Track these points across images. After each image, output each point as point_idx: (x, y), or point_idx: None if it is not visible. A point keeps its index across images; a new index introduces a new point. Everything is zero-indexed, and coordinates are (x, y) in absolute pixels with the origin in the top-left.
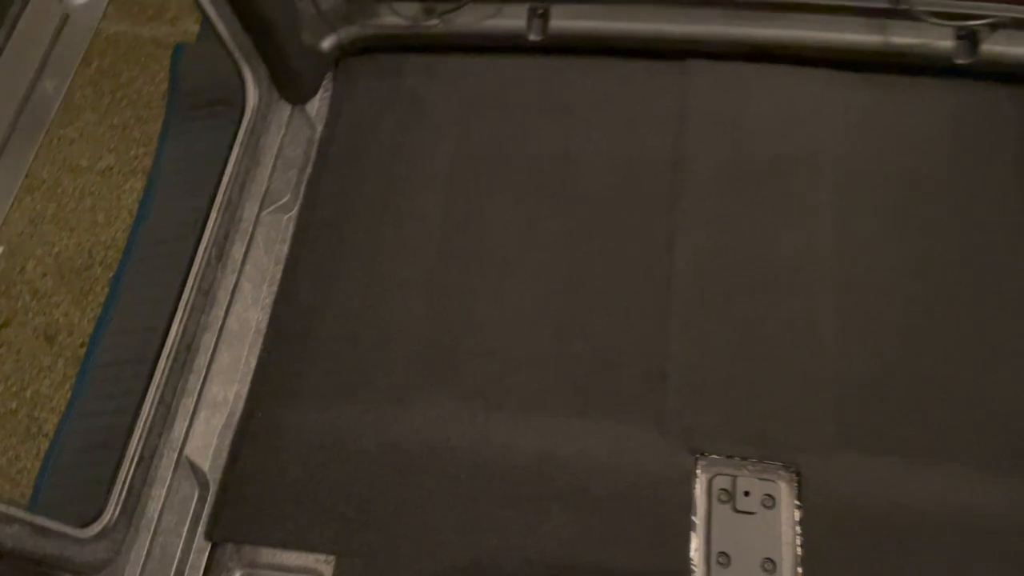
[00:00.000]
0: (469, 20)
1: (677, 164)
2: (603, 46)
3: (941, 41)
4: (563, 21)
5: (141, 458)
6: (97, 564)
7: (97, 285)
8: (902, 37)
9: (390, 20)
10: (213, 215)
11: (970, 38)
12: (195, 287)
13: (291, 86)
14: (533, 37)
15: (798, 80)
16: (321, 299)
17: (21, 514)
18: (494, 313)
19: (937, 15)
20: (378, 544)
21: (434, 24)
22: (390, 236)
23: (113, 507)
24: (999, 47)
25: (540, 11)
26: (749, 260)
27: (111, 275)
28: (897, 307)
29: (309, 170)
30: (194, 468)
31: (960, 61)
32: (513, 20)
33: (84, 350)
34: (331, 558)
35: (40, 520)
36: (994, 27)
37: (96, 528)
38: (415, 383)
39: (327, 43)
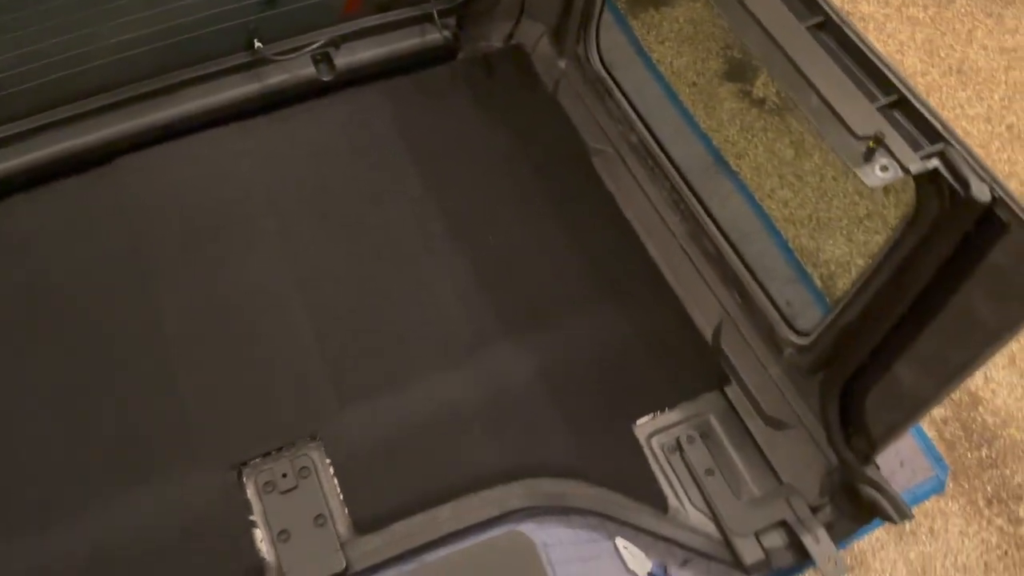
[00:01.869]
0: None
1: (137, 253)
2: (40, 174)
3: (304, 69)
4: None
5: None
6: None
7: None
8: (275, 77)
9: None
10: None
11: (325, 60)
12: None
13: None
14: None
15: (216, 140)
16: None
17: None
18: (11, 447)
19: (284, 52)
20: None
21: None
22: None
23: None
24: (346, 58)
25: None
26: (225, 302)
27: None
28: (342, 284)
29: None
30: None
31: (327, 79)
32: None
33: None
34: None
35: None
36: (335, 45)
37: None
38: None
39: None
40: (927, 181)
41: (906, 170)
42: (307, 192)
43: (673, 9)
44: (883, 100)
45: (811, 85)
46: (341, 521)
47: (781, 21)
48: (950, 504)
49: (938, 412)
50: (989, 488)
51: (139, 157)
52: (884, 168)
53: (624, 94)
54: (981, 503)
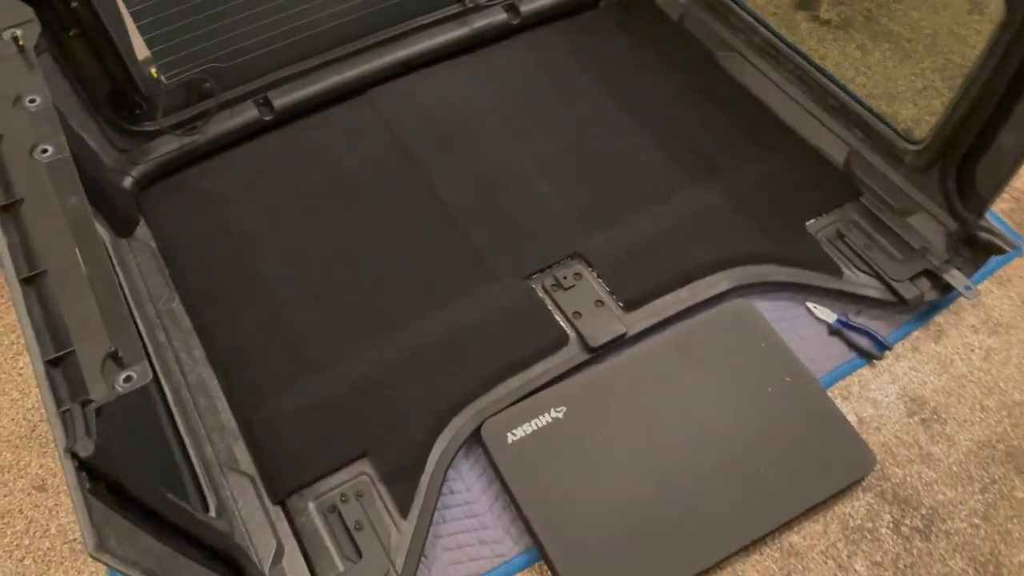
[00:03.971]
0: (218, 126)
1: (403, 151)
2: (317, 102)
3: (499, 16)
4: (282, 99)
5: (207, 475)
6: (229, 533)
7: (52, 434)
8: (478, 22)
9: (161, 149)
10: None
11: (512, 8)
12: (160, 372)
13: (122, 225)
14: (267, 117)
15: (440, 72)
16: (236, 331)
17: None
18: (358, 279)
19: (492, 1)
20: (380, 433)
21: (195, 140)
22: (258, 272)
23: (212, 502)
24: (527, 6)
25: (261, 100)
26: (481, 176)
27: None
28: (561, 157)
29: (168, 270)
30: (237, 466)
31: (515, 23)
32: (247, 113)
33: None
34: (363, 458)
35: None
36: None
37: (213, 515)
38: (338, 338)
39: (127, 183)
40: None
41: None
42: (515, 102)
43: None
44: None
45: None
46: (612, 304)
47: None
48: None
49: (1007, 206)
50: None
51: (386, 87)
52: None
53: (744, 8)
54: None
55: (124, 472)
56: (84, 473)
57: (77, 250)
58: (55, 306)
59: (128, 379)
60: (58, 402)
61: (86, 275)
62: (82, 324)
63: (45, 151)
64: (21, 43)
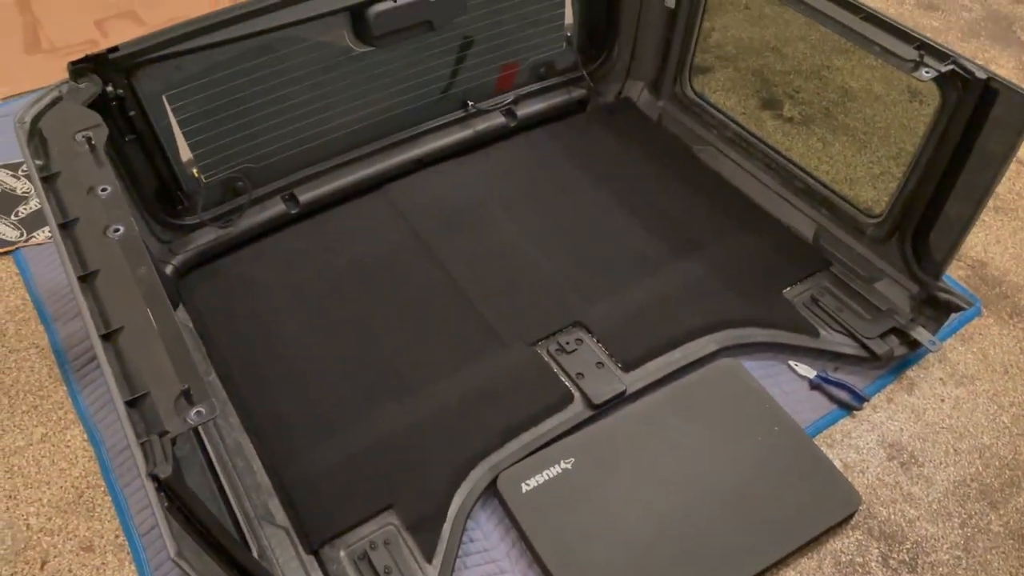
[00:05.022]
0: (250, 219)
1: (417, 238)
2: (338, 197)
3: (498, 119)
4: (306, 194)
5: (249, 528)
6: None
7: (98, 500)
8: (480, 125)
9: (199, 240)
10: None
11: (509, 113)
12: (203, 436)
13: None
14: (294, 211)
15: (448, 169)
16: (267, 399)
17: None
18: (379, 349)
19: (492, 107)
20: (404, 487)
21: (229, 232)
22: (286, 347)
23: (255, 550)
24: (523, 111)
25: (288, 196)
26: (488, 255)
27: (102, 491)
28: (559, 238)
29: (204, 347)
30: (273, 520)
31: (512, 125)
32: (276, 207)
33: (123, 539)
34: (389, 510)
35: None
36: (516, 102)
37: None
38: (362, 403)
39: (169, 271)
40: (947, 78)
41: (937, 70)
42: (516, 192)
43: (715, 74)
44: (915, 43)
45: (880, 46)
46: (612, 366)
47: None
48: (987, 320)
49: (964, 272)
50: (1008, 309)
51: (401, 184)
52: (928, 72)
53: (717, 108)
54: (1005, 317)
55: (193, 501)
56: (163, 493)
57: (149, 310)
58: (131, 357)
59: (198, 414)
60: (138, 435)
61: (157, 330)
62: (156, 370)
63: (117, 231)
64: (93, 143)
